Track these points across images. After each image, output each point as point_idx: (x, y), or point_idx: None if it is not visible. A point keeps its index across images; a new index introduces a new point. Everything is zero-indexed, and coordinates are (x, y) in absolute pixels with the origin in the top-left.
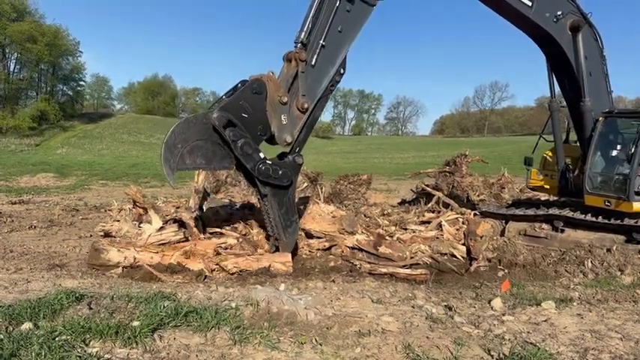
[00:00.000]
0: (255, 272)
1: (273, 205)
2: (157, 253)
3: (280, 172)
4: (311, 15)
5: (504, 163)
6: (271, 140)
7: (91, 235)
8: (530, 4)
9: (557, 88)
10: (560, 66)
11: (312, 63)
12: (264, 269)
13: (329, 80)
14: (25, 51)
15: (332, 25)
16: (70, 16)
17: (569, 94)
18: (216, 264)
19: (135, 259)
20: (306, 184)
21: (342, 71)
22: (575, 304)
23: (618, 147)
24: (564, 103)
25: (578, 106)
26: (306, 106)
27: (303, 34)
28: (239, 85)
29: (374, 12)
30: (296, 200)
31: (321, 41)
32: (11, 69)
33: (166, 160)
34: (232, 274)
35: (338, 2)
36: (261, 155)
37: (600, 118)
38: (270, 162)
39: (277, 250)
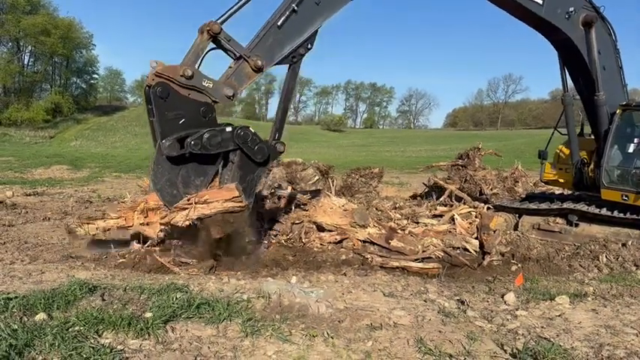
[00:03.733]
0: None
1: (234, 176)
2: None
3: (257, 146)
4: None
5: (518, 156)
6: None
7: None
8: (541, 2)
9: (569, 82)
10: (573, 61)
11: (279, 24)
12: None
13: (291, 48)
14: (39, 44)
15: None
16: (84, 9)
17: (582, 88)
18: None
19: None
20: (317, 177)
21: (309, 46)
22: (589, 299)
23: (636, 140)
24: (578, 97)
25: (592, 100)
26: (260, 63)
27: None
28: (148, 106)
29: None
30: (307, 194)
31: (293, 5)
32: (25, 62)
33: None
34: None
35: None
36: (229, 128)
37: (617, 112)
38: (252, 131)
39: None
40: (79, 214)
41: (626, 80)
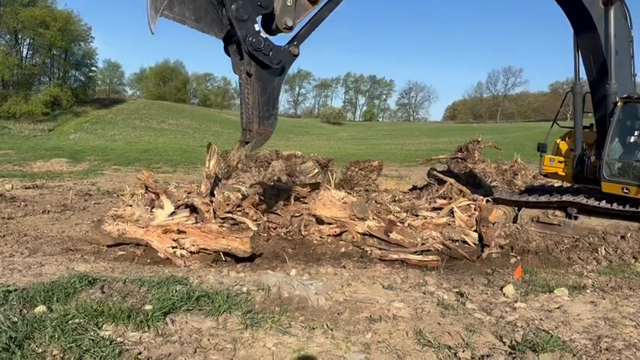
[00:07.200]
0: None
1: (255, 89)
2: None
3: (272, 52)
4: None
5: (517, 149)
6: (269, 24)
7: None
8: None
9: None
10: (588, 41)
11: None
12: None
13: None
14: (37, 36)
15: None
16: (82, 2)
17: (593, 74)
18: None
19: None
20: (316, 170)
21: None
22: (588, 291)
23: (637, 133)
24: (587, 88)
25: (602, 89)
26: None
27: None
28: None
29: None
30: (306, 187)
31: None
32: (24, 54)
33: (153, 1)
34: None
35: None
36: (257, 27)
37: (619, 104)
38: (265, 37)
39: (247, 143)
40: None
41: (635, 70)
